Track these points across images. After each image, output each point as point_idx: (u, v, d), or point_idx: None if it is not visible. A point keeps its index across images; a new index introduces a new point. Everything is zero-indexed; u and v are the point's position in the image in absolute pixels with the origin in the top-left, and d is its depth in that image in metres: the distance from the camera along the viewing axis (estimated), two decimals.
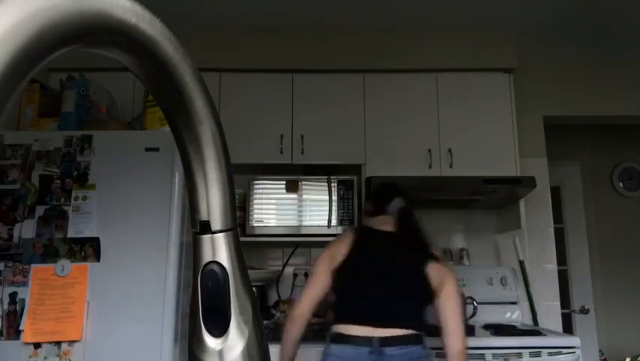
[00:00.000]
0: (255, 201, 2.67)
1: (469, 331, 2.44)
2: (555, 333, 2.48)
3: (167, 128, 1.86)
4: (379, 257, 1.79)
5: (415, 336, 1.69)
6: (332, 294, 1.81)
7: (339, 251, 1.80)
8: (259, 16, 2.83)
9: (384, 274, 1.76)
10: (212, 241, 0.34)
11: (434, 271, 1.76)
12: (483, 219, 3.07)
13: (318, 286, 1.80)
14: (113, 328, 1.71)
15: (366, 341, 1.64)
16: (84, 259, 1.76)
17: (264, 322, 2.28)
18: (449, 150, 2.80)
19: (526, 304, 2.83)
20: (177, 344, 1.77)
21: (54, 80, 2.54)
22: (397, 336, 1.66)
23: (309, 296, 1.79)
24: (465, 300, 2.62)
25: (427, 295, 1.75)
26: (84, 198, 1.82)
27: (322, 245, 2.26)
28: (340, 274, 1.78)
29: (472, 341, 2.20)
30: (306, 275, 2.88)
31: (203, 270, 0.34)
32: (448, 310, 1.72)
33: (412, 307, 1.75)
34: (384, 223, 1.87)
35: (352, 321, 1.70)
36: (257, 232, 2.65)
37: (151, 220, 1.80)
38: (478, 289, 2.75)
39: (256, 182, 2.70)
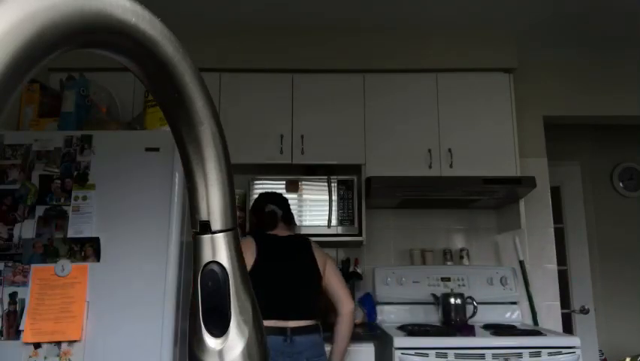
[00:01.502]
0: None
1: (469, 331, 2.44)
2: (555, 333, 2.48)
3: (167, 128, 1.86)
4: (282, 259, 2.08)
5: (315, 326, 2.03)
6: None
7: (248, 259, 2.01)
8: (259, 16, 2.83)
9: (287, 272, 2.05)
10: (212, 241, 0.34)
11: (318, 254, 2.12)
12: (483, 219, 3.07)
13: None
14: (113, 328, 1.71)
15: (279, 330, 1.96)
16: (84, 259, 1.76)
17: None
18: (449, 150, 2.80)
19: (526, 304, 2.83)
20: (177, 344, 1.77)
21: (54, 80, 2.54)
22: (304, 326, 1.99)
23: None
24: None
25: (318, 280, 2.08)
26: (84, 198, 1.82)
27: (322, 245, 2.26)
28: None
29: (472, 341, 2.20)
30: None
31: (203, 270, 0.34)
32: (334, 283, 2.10)
33: (312, 298, 2.07)
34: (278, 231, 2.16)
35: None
36: None
37: (151, 220, 1.80)
38: (478, 289, 2.75)
39: (256, 182, 2.70)
